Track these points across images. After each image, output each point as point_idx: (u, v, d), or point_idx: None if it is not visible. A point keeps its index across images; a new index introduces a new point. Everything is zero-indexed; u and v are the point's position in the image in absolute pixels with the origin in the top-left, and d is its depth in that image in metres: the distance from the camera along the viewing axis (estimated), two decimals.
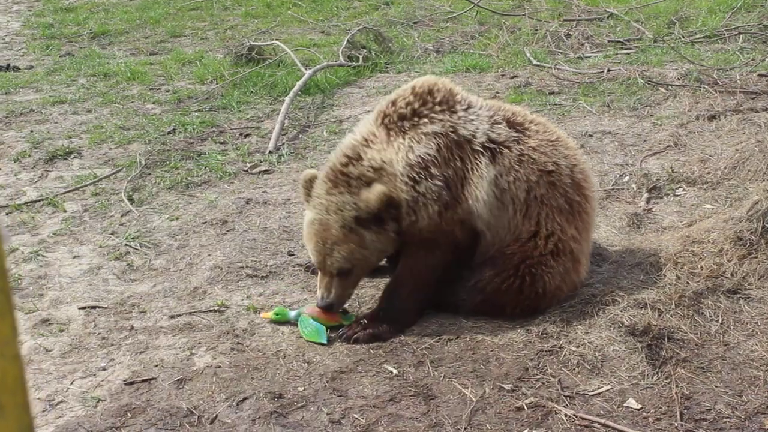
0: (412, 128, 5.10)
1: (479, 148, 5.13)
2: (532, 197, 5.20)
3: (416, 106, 5.15)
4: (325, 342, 5.05)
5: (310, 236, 5.14)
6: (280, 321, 5.32)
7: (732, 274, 5.45)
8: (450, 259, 5.23)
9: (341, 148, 5.22)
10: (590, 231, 5.52)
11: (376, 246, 5.14)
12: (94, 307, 5.65)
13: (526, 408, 4.42)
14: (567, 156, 5.37)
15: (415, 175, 5.01)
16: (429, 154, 5.04)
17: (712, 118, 8.45)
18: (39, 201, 7.39)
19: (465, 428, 4.27)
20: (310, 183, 5.19)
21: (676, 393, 4.47)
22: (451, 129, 5.13)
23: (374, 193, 4.95)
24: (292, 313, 5.30)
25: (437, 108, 5.17)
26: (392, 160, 5.04)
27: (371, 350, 5.01)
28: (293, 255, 6.23)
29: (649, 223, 6.49)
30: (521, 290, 5.21)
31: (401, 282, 5.28)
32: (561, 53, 11.53)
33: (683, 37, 11.74)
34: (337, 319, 5.23)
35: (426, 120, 5.12)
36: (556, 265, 5.22)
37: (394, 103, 5.22)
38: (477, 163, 5.11)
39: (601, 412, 4.38)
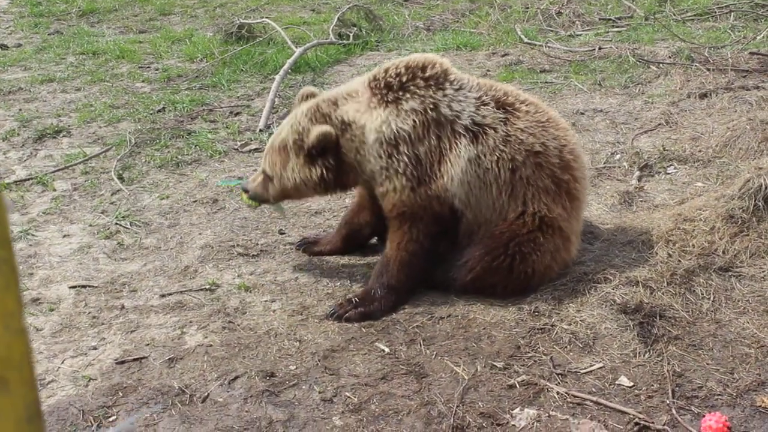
0: (393, 102, 5.12)
1: (461, 130, 5.13)
2: (517, 177, 5.18)
3: (404, 79, 5.16)
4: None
5: (276, 133, 5.50)
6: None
7: (723, 252, 5.46)
8: (434, 230, 5.23)
9: (329, 93, 5.46)
10: (580, 210, 5.50)
11: (294, 176, 5.32)
12: (84, 286, 5.63)
13: (518, 386, 4.42)
14: (557, 137, 5.34)
15: (384, 150, 5.10)
16: (403, 130, 5.08)
17: (703, 96, 8.45)
18: (28, 180, 7.35)
19: (457, 406, 4.27)
20: (304, 99, 5.50)
21: (667, 370, 4.48)
22: (432, 106, 5.12)
23: (316, 130, 5.14)
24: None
25: (422, 84, 5.16)
26: (365, 125, 5.14)
27: (363, 329, 5.01)
28: (284, 233, 6.21)
29: (641, 201, 6.49)
30: (511, 269, 5.21)
31: (390, 257, 5.29)
32: (552, 31, 11.50)
33: (674, 14, 11.73)
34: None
35: (408, 95, 5.13)
36: (546, 242, 5.21)
37: (386, 70, 5.25)
38: (456, 143, 5.10)
39: (593, 389, 4.39)
